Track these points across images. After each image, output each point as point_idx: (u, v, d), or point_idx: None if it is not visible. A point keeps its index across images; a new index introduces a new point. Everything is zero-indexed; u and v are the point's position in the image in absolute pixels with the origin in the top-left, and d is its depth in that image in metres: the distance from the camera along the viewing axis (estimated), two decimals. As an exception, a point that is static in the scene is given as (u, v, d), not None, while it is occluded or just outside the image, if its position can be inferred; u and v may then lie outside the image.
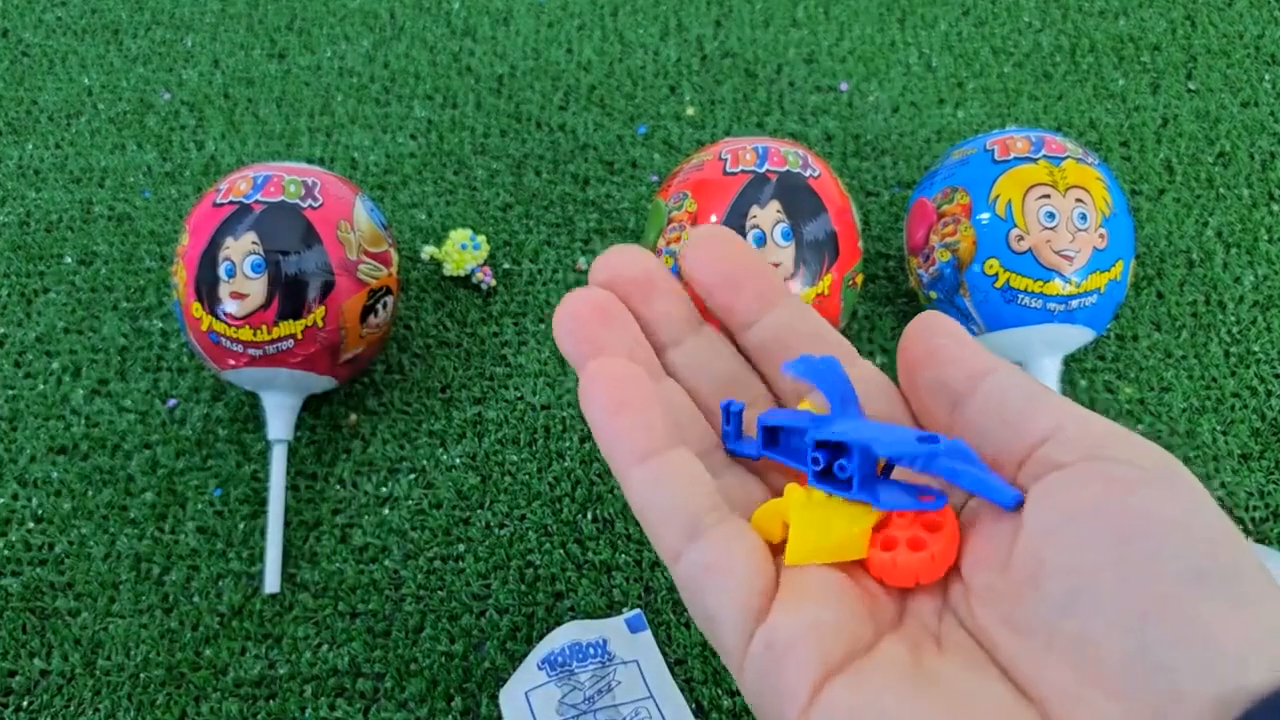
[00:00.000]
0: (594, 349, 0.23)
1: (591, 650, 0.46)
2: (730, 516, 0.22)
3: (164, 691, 0.48)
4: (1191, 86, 0.69)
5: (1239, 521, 0.52)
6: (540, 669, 0.46)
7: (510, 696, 0.45)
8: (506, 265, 0.62)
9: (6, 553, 0.52)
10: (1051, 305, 0.50)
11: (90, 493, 0.54)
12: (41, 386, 0.58)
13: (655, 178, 0.65)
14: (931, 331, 0.23)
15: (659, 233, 0.52)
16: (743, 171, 0.50)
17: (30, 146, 0.68)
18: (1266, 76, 0.69)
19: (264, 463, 0.55)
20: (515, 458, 0.55)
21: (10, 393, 0.58)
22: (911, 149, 0.66)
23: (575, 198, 0.64)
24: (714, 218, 0.50)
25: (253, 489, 0.54)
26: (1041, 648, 0.19)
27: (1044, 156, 0.51)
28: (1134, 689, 0.17)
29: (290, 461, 0.54)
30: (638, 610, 0.49)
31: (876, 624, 0.21)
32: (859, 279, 0.53)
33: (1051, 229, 0.49)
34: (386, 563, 0.52)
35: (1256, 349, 0.57)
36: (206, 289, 0.49)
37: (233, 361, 0.50)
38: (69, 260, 0.63)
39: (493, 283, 0.60)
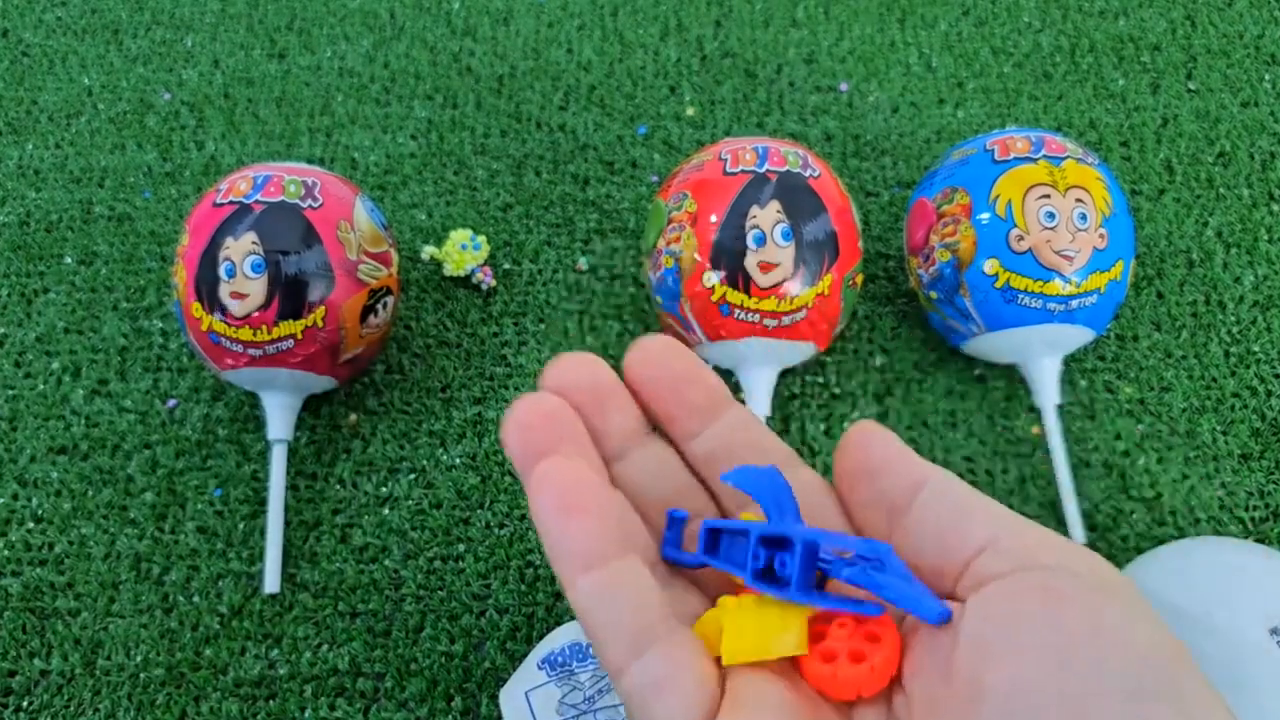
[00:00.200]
0: (543, 454, 0.22)
1: (592, 650, 0.46)
2: (677, 629, 0.22)
3: (164, 691, 0.48)
4: (1191, 86, 0.69)
5: (1239, 521, 0.52)
6: (540, 669, 0.46)
7: (510, 696, 0.45)
8: (507, 265, 0.62)
9: (6, 553, 0.52)
10: (1051, 305, 0.50)
11: (90, 493, 0.54)
12: (41, 386, 0.58)
13: (655, 178, 0.65)
14: (867, 442, 0.23)
15: (659, 233, 0.52)
16: (743, 171, 0.50)
17: (30, 146, 0.68)
18: (1267, 76, 0.69)
19: (264, 463, 0.55)
20: (515, 458, 0.55)
21: (10, 393, 0.58)
22: (911, 149, 0.66)
23: (575, 198, 0.64)
24: (714, 217, 0.50)
25: (253, 489, 0.54)
26: None
27: (1044, 156, 0.51)
28: None
29: (290, 461, 0.54)
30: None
31: None
32: (859, 279, 0.53)
33: (1051, 229, 0.49)
34: (386, 563, 0.52)
35: (1257, 349, 0.57)
36: (206, 289, 0.49)
37: (232, 361, 0.50)
38: (69, 260, 0.63)
39: (493, 283, 0.60)
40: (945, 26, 0.72)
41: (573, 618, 0.50)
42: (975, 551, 0.21)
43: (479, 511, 0.53)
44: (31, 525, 0.53)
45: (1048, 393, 0.53)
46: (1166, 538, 0.51)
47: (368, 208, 0.53)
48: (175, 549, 0.52)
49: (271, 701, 0.48)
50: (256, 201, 0.50)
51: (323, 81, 0.71)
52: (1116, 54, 0.71)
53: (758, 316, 0.50)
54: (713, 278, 0.50)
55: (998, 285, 0.50)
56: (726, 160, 0.51)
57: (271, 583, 0.50)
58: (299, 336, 0.49)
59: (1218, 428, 0.55)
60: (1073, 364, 0.57)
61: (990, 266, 0.50)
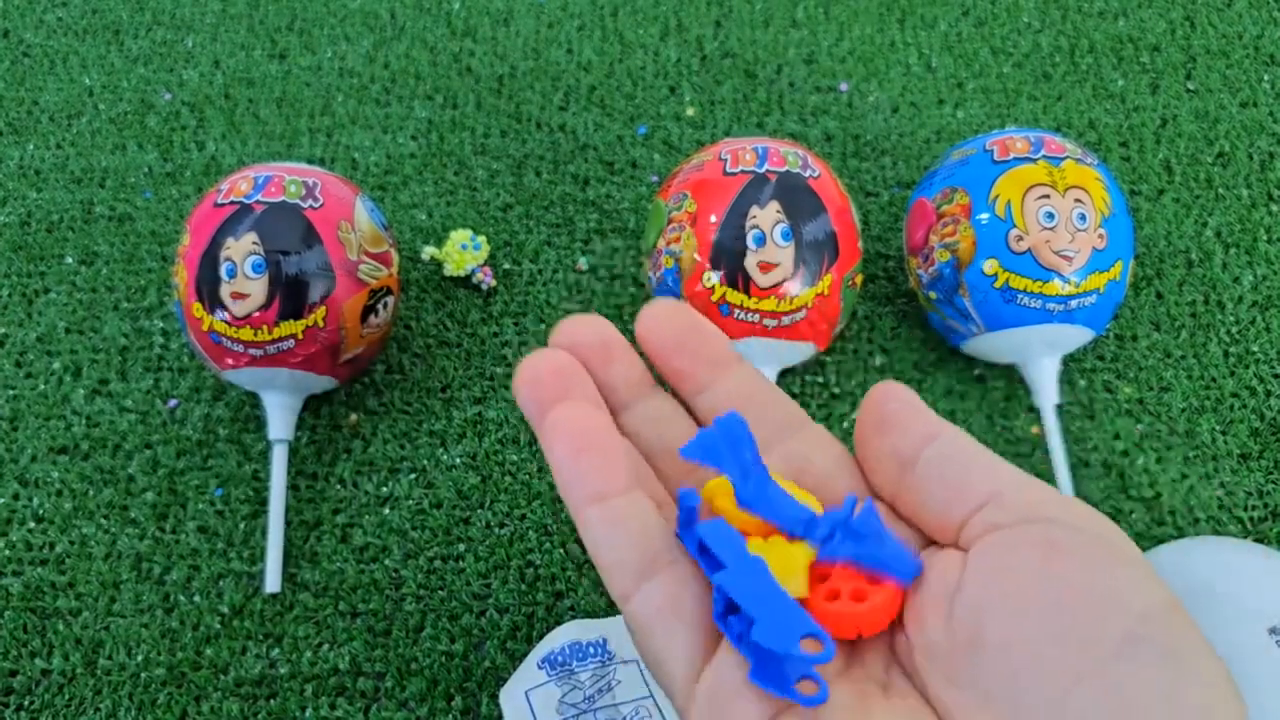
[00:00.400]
0: (553, 404, 0.23)
1: (592, 649, 0.46)
2: (681, 560, 0.22)
3: (165, 691, 0.48)
4: (1191, 87, 0.69)
5: (1238, 521, 0.52)
6: (540, 668, 0.46)
7: (510, 696, 0.45)
8: (507, 265, 0.62)
9: (7, 553, 0.52)
10: (1051, 305, 0.50)
11: (91, 492, 0.54)
12: (42, 386, 0.58)
13: (655, 178, 0.65)
14: (885, 399, 0.23)
15: (659, 233, 0.52)
16: (742, 172, 0.50)
17: (31, 147, 0.68)
18: (1265, 77, 0.69)
19: (265, 463, 0.55)
20: (515, 457, 0.55)
21: (11, 393, 0.58)
22: (911, 149, 0.66)
23: (575, 198, 0.64)
24: (713, 217, 0.50)
25: (253, 489, 0.54)
26: (978, 707, 0.19)
27: (1043, 157, 0.51)
28: None
29: (291, 461, 0.54)
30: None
31: (822, 672, 0.21)
32: (859, 279, 0.53)
33: (1051, 229, 0.49)
34: (387, 562, 0.52)
35: (1256, 349, 0.58)
36: (207, 289, 0.49)
37: (233, 361, 0.50)
38: (70, 260, 0.63)
39: (493, 283, 0.60)
40: (945, 27, 0.72)
41: (573, 618, 0.50)
42: (979, 504, 0.21)
43: (479, 511, 0.53)
44: (32, 525, 0.53)
45: (1047, 393, 0.53)
46: (1166, 537, 0.51)
47: (368, 208, 0.53)
48: (176, 549, 0.52)
49: (272, 701, 0.48)
50: (257, 202, 0.50)
51: (323, 82, 0.71)
52: (1116, 54, 0.71)
53: (757, 316, 0.50)
54: (713, 278, 0.50)
55: (997, 285, 0.50)
56: (726, 160, 0.51)
57: (272, 582, 0.50)
58: (299, 336, 0.49)
59: (1217, 428, 0.55)
60: (1072, 364, 0.57)
61: (990, 266, 0.50)
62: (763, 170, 0.50)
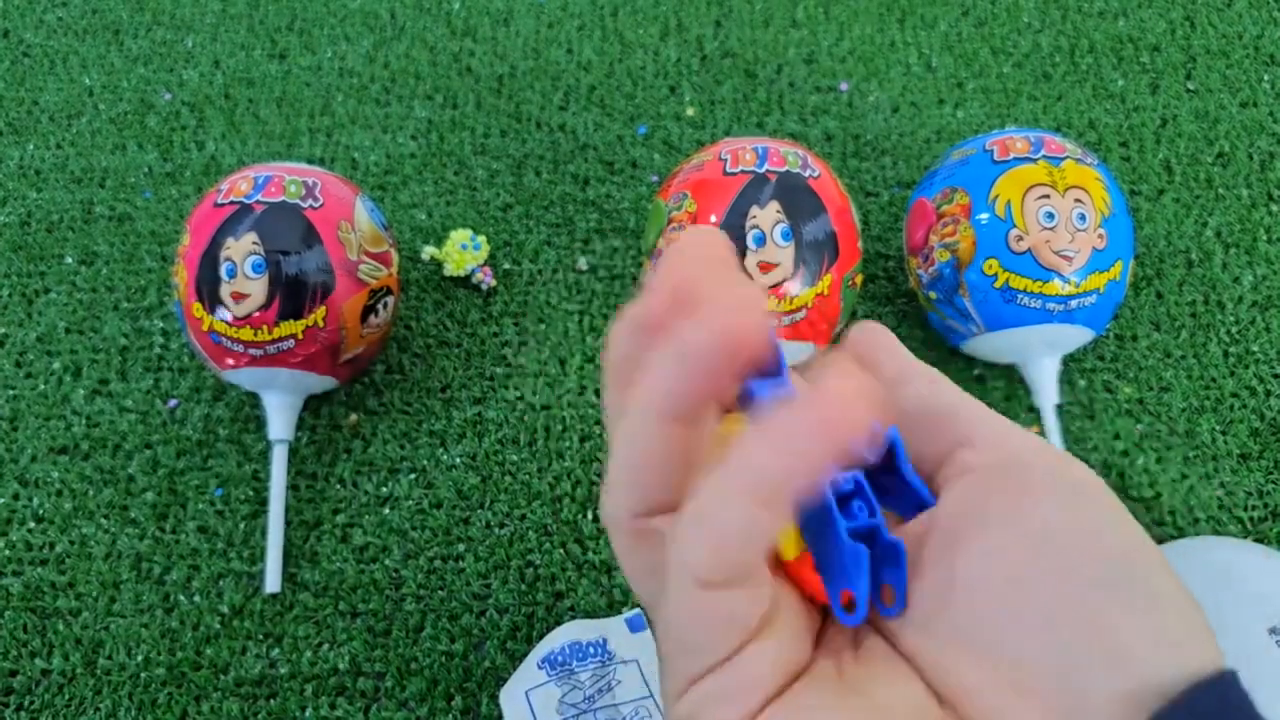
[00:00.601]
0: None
1: (592, 649, 0.46)
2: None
3: (165, 691, 0.48)
4: (1191, 87, 0.69)
5: (1238, 521, 0.52)
6: (540, 668, 0.46)
7: (510, 696, 0.45)
8: (506, 265, 0.62)
9: (7, 552, 0.52)
10: (1051, 305, 0.50)
11: (91, 493, 0.54)
12: (42, 386, 0.58)
13: (655, 178, 0.65)
14: (862, 339, 0.23)
15: (659, 233, 0.52)
16: (742, 172, 0.50)
17: (31, 147, 0.68)
18: (1265, 77, 0.69)
19: (265, 463, 0.55)
20: (515, 458, 0.55)
21: (11, 393, 0.58)
22: (911, 149, 0.66)
23: (575, 198, 0.64)
24: (713, 218, 0.50)
25: (253, 489, 0.54)
26: (956, 653, 0.19)
27: (1043, 157, 0.51)
28: (1045, 690, 0.18)
29: (291, 461, 0.54)
30: (638, 610, 0.49)
31: (809, 639, 0.21)
32: (858, 279, 0.53)
33: (1051, 229, 0.49)
34: (387, 562, 0.52)
35: (1255, 349, 0.58)
36: (207, 289, 0.49)
37: (233, 361, 0.50)
38: (70, 260, 0.63)
39: (493, 283, 0.60)
40: (945, 27, 0.72)
41: (573, 618, 0.50)
42: (953, 446, 0.21)
43: (479, 511, 0.53)
44: (32, 525, 0.53)
45: (1047, 393, 0.53)
46: (1166, 537, 0.51)
47: (368, 208, 0.53)
48: (176, 549, 0.52)
49: (272, 701, 0.48)
50: (257, 202, 0.50)
51: (323, 82, 0.71)
52: (1116, 54, 0.71)
53: (757, 316, 0.50)
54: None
55: (997, 285, 0.50)
56: (726, 160, 0.51)
57: (272, 582, 0.50)
58: (299, 336, 0.49)
59: (1217, 428, 0.55)
60: (1072, 364, 0.57)
61: (989, 266, 0.50)
62: (763, 170, 0.50)
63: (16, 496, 0.54)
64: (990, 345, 0.53)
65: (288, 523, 0.53)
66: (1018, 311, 0.50)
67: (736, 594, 0.18)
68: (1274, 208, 0.63)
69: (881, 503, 0.21)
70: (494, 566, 0.52)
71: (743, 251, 0.49)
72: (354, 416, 0.56)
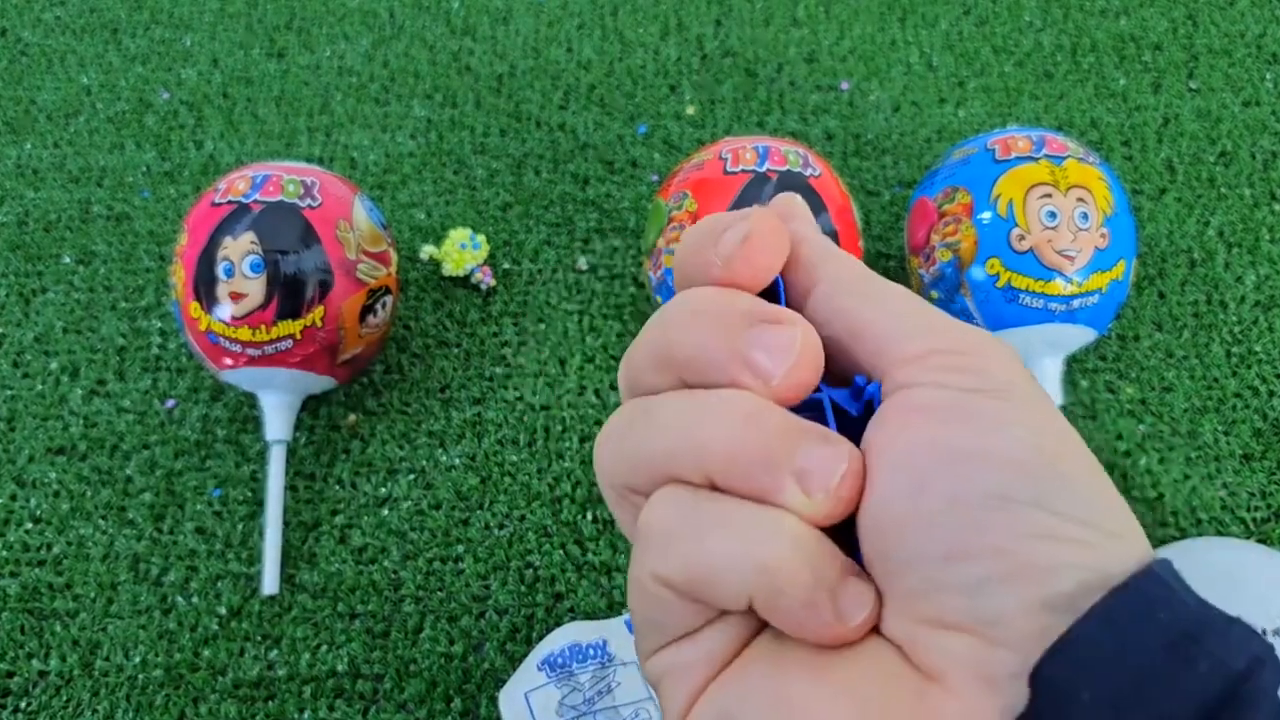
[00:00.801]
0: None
1: (591, 651, 0.46)
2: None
3: (162, 693, 0.48)
4: (1193, 86, 0.69)
5: (1241, 522, 0.52)
6: (540, 670, 0.46)
7: (510, 698, 0.45)
8: (506, 265, 0.61)
9: (4, 553, 0.52)
10: (1053, 305, 0.50)
11: (88, 493, 0.54)
12: (40, 386, 0.58)
13: (655, 177, 0.65)
14: (789, 214, 0.22)
15: (659, 232, 0.52)
16: (743, 171, 0.50)
17: (29, 146, 0.68)
18: (1268, 75, 0.69)
19: (263, 463, 0.54)
20: (515, 458, 0.55)
21: (8, 393, 0.57)
22: (912, 148, 0.66)
23: (575, 197, 0.64)
24: (714, 217, 0.50)
25: (251, 490, 0.54)
26: (888, 599, 0.19)
27: (1045, 156, 0.51)
28: (964, 621, 0.17)
29: (289, 462, 0.54)
30: (638, 611, 0.49)
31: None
32: (860, 279, 0.53)
33: (1053, 228, 0.49)
34: (385, 564, 0.51)
35: (1258, 349, 0.57)
36: (205, 289, 0.49)
37: (230, 361, 0.50)
38: (67, 260, 0.62)
39: (492, 282, 0.60)
40: (946, 25, 0.72)
41: (572, 619, 0.49)
42: (871, 358, 0.20)
43: (478, 512, 0.53)
44: (30, 526, 0.53)
45: (1049, 393, 0.52)
46: (1168, 538, 0.51)
47: (367, 207, 0.53)
48: (174, 550, 0.52)
49: (270, 703, 0.48)
50: (255, 201, 0.49)
51: (322, 80, 0.71)
52: (1118, 53, 0.70)
53: (758, 316, 0.50)
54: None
55: (999, 285, 0.50)
56: (727, 159, 0.51)
57: (270, 584, 0.50)
58: (298, 336, 0.49)
59: (1219, 428, 0.55)
60: (1074, 364, 0.57)
61: (991, 266, 0.50)
62: (763, 169, 0.50)
63: (14, 497, 0.54)
64: (992, 345, 0.52)
65: (286, 524, 0.52)
66: (1020, 311, 0.50)
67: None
68: (1277, 207, 0.63)
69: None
70: (493, 568, 0.51)
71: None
72: (352, 417, 0.56)
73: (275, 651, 0.49)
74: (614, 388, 0.57)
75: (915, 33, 0.72)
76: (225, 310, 0.49)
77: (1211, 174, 0.64)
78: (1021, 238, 0.49)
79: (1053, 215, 0.49)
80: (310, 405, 0.56)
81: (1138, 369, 0.57)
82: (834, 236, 0.50)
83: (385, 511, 0.53)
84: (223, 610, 0.50)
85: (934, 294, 0.53)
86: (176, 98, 0.70)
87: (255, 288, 0.48)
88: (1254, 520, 0.52)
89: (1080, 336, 0.52)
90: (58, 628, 0.50)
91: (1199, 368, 0.57)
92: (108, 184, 0.66)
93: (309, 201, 0.50)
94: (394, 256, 0.54)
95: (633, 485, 0.20)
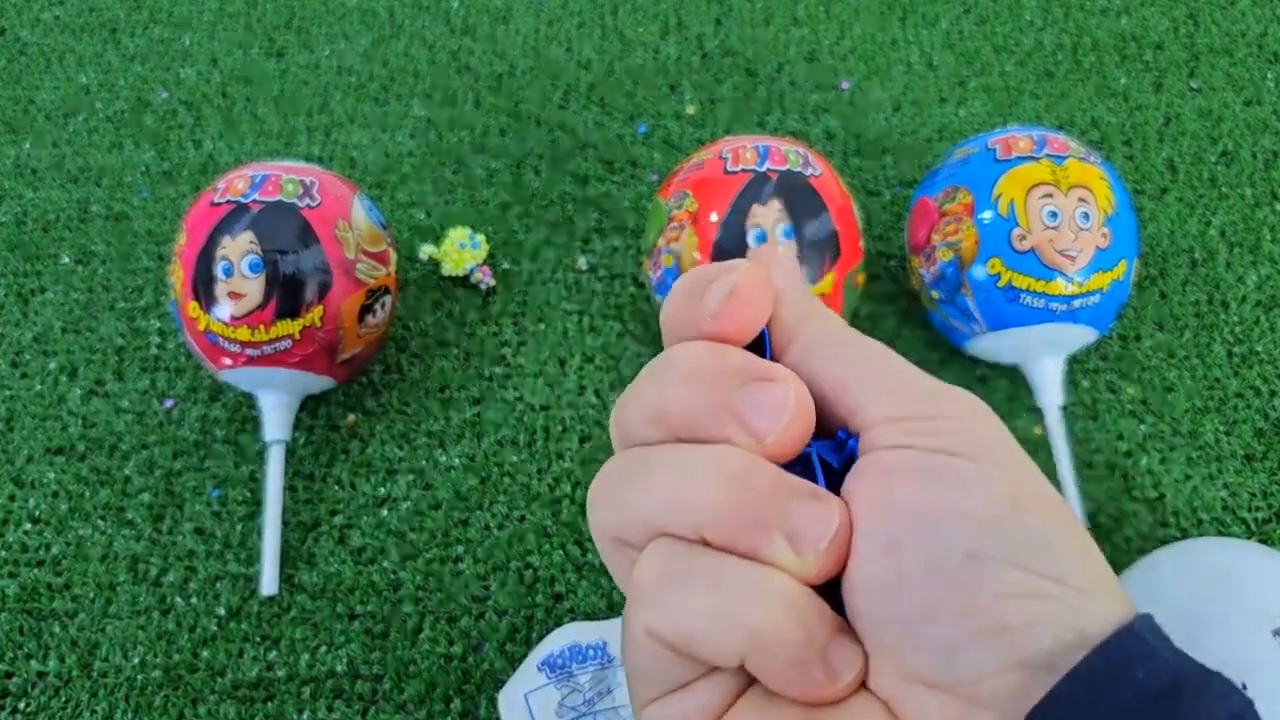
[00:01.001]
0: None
1: (591, 652, 0.46)
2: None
3: (161, 694, 0.48)
4: (1194, 85, 0.68)
5: (1242, 522, 0.52)
6: (540, 671, 0.46)
7: (509, 698, 0.45)
8: (506, 265, 0.61)
9: (3, 554, 0.52)
10: (1054, 305, 0.49)
11: (87, 494, 0.54)
12: (38, 386, 0.57)
13: (655, 176, 0.65)
14: (771, 266, 0.22)
15: (659, 232, 0.52)
16: (743, 170, 0.50)
17: (27, 145, 0.68)
18: (1269, 75, 0.69)
19: (261, 464, 0.54)
20: (514, 459, 0.54)
21: (7, 393, 0.57)
22: (913, 148, 0.66)
23: (575, 197, 0.64)
24: (714, 216, 0.49)
25: (250, 490, 0.54)
26: (873, 656, 0.19)
27: (1046, 155, 0.50)
28: (942, 680, 0.18)
29: (288, 462, 0.54)
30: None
31: None
32: (861, 278, 0.53)
33: (1054, 228, 0.49)
34: (385, 564, 0.51)
35: (1260, 349, 0.57)
36: (203, 288, 0.49)
37: (229, 361, 0.50)
38: (66, 260, 0.62)
39: (492, 282, 0.60)
40: (946, 25, 0.72)
41: (572, 620, 0.49)
42: (846, 418, 0.20)
43: (478, 513, 0.53)
44: (29, 526, 0.53)
45: (1050, 393, 0.52)
46: (1169, 539, 0.51)
47: (366, 206, 0.53)
48: (173, 550, 0.52)
49: (269, 704, 0.48)
50: (254, 200, 0.49)
51: (321, 80, 0.70)
52: (1119, 52, 0.70)
53: (758, 316, 0.50)
54: (713, 277, 0.49)
55: (1000, 284, 0.50)
56: (727, 159, 0.51)
57: (269, 584, 0.50)
58: (297, 336, 0.49)
59: (1221, 428, 0.55)
60: (1075, 364, 0.57)
61: (992, 266, 0.50)
62: (764, 169, 0.50)
63: (12, 498, 0.54)
64: (993, 345, 0.52)
65: (285, 524, 0.52)
66: (1021, 311, 0.50)
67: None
68: (1278, 206, 0.63)
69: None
70: (493, 568, 0.51)
71: (744, 250, 0.49)
72: (352, 417, 0.56)
73: (274, 652, 0.49)
74: (614, 388, 0.57)
75: (916, 32, 0.72)
76: (224, 310, 0.48)
77: (1213, 173, 0.64)
78: (1023, 237, 0.49)
79: (1054, 215, 0.49)
80: (309, 405, 0.56)
81: (1139, 369, 0.57)
82: (834, 236, 0.50)
83: (384, 512, 0.53)
84: (221, 611, 0.50)
85: (935, 293, 0.53)
86: (175, 97, 0.70)
87: (254, 287, 0.48)
88: (1255, 520, 0.52)
89: (1081, 336, 0.52)
90: (56, 628, 0.50)
91: (1200, 368, 0.57)
92: (106, 183, 0.66)
93: (308, 201, 0.50)
94: (393, 256, 0.54)
95: (626, 538, 0.20)
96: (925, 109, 0.68)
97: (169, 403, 0.57)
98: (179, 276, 0.50)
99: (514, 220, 0.63)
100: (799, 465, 0.20)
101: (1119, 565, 0.49)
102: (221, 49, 0.73)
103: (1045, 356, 0.52)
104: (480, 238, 0.60)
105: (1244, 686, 0.18)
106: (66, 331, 0.59)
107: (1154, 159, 0.65)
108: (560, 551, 0.51)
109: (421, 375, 0.57)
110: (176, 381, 0.57)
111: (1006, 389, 0.56)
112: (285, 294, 0.48)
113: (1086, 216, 0.49)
